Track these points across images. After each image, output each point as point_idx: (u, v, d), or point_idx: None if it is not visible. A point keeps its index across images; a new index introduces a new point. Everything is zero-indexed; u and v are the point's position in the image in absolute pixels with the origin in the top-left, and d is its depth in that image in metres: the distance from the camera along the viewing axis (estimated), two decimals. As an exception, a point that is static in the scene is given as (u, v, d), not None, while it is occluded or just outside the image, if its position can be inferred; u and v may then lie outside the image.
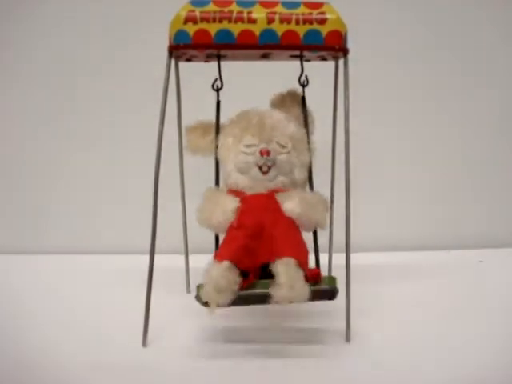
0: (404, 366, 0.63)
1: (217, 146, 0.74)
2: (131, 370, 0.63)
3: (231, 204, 0.68)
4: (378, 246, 1.11)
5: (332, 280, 0.65)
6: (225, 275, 0.61)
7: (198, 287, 0.63)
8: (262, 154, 0.69)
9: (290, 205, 0.68)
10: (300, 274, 0.61)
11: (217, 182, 0.75)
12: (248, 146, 0.71)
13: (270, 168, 0.70)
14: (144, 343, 0.68)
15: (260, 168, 0.70)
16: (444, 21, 1.10)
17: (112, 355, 0.66)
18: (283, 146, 0.71)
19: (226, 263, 0.62)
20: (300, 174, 0.73)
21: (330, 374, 0.62)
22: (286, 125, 0.72)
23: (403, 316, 0.77)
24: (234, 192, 0.71)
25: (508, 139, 1.15)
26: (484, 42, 1.11)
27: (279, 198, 0.69)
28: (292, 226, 0.68)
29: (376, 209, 1.13)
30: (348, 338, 0.69)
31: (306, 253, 0.67)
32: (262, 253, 0.65)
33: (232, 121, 0.75)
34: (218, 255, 0.65)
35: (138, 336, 0.68)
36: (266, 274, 0.64)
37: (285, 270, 0.61)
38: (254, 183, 0.71)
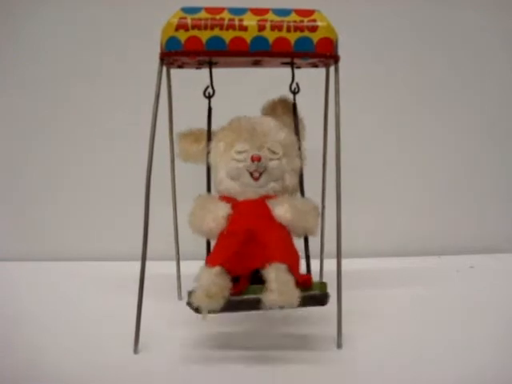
0: (395, 371, 0.63)
1: (208, 153, 0.75)
2: (122, 377, 0.62)
3: (222, 210, 0.69)
4: (369, 252, 1.12)
5: (323, 286, 0.66)
6: (216, 281, 0.61)
7: (190, 293, 0.63)
8: (253, 160, 0.70)
9: (281, 211, 0.69)
10: (290, 280, 0.61)
11: (208, 189, 0.75)
12: (239, 152, 0.71)
13: (261, 174, 0.71)
14: (135, 350, 0.68)
15: (251, 174, 0.71)
16: (437, 24, 1.11)
17: (103, 362, 0.66)
18: (274, 153, 0.71)
19: (217, 268, 0.62)
20: (291, 181, 0.73)
21: (322, 380, 0.62)
22: (277, 131, 0.73)
23: (394, 322, 0.78)
24: (226, 198, 0.72)
25: (498, 147, 1.15)
26: (477, 44, 1.12)
27: (270, 204, 0.70)
28: (283, 232, 0.68)
29: (367, 214, 1.14)
30: (339, 344, 0.69)
31: (297, 258, 0.67)
32: (253, 259, 0.65)
33: (223, 127, 0.76)
34: (210, 260, 0.65)
35: (129, 343, 0.68)
36: (257, 279, 0.64)
37: (275, 275, 0.61)
38: (245, 189, 0.71)
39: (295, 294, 0.61)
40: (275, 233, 0.67)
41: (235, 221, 0.68)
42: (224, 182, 0.72)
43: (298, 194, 0.75)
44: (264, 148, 0.71)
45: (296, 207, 0.69)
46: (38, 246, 1.13)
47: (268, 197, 0.71)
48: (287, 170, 0.73)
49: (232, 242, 0.66)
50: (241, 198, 0.71)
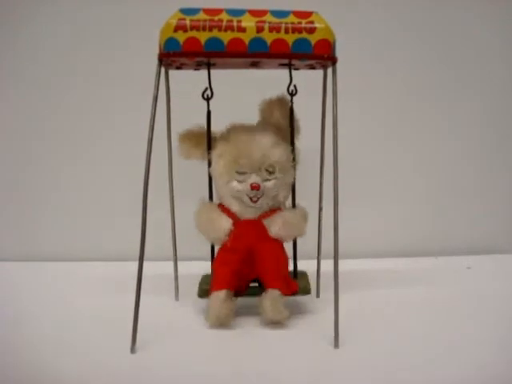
0: (392, 372, 0.63)
1: (209, 161, 0.78)
2: (119, 377, 0.62)
3: (225, 224, 0.77)
4: (366, 252, 1.12)
5: (305, 289, 0.80)
6: (224, 305, 0.74)
7: (201, 285, 0.81)
8: (252, 188, 0.75)
9: (275, 229, 0.78)
10: (282, 301, 0.75)
11: (210, 197, 0.80)
12: (239, 173, 0.75)
13: (259, 198, 0.76)
14: (132, 350, 0.68)
15: (250, 198, 0.76)
16: (435, 24, 1.11)
17: (100, 361, 0.66)
18: (271, 173, 0.76)
19: (223, 293, 0.74)
20: (284, 194, 0.79)
21: (319, 380, 0.62)
22: (274, 151, 0.76)
23: (392, 322, 0.78)
24: (227, 211, 0.78)
25: (497, 147, 1.16)
26: (478, 44, 1.12)
27: (266, 223, 0.78)
28: (276, 248, 0.79)
29: (364, 215, 1.14)
30: (336, 344, 0.69)
31: (287, 265, 0.80)
32: (251, 274, 0.78)
33: (223, 137, 0.78)
34: (216, 284, 0.76)
35: (126, 343, 0.68)
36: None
37: (270, 302, 0.74)
38: (244, 209, 0.78)
39: (286, 313, 0.74)
40: (271, 253, 0.78)
41: (237, 238, 0.77)
42: (226, 198, 0.79)
43: (288, 203, 0.81)
44: (262, 169, 0.75)
45: (288, 222, 0.78)
46: (36, 247, 1.13)
47: (264, 216, 0.78)
48: (281, 186, 0.78)
49: (234, 260, 0.77)
50: (240, 216, 0.78)
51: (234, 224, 0.77)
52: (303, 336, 0.73)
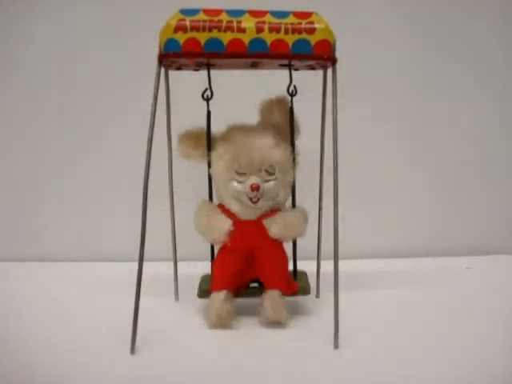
0: (391, 372, 0.63)
1: (209, 162, 0.78)
2: (119, 378, 0.63)
3: (225, 225, 0.76)
4: (366, 253, 1.12)
5: (305, 289, 0.81)
6: (224, 306, 0.75)
7: (200, 285, 0.82)
8: (252, 189, 0.74)
9: (275, 230, 0.77)
10: (283, 302, 0.76)
11: (210, 197, 0.80)
12: (239, 174, 0.75)
13: (259, 199, 0.75)
14: (132, 351, 0.68)
15: (250, 198, 0.75)
16: (436, 25, 1.11)
17: (100, 362, 0.66)
18: (271, 174, 0.75)
19: (223, 293, 0.76)
20: (284, 195, 0.79)
21: (318, 381, 0.62)
22: (273, 152, 0.75)
23: (391, 322, 0.78)
24: (227, 212, 0.78)
25: (496, 148, 1.16)
26: (478, 45, 1.12)
27: (266, 223, 0.77)
28: (277, 248, 0.78)
29: (364, 216, 1.14)
30: (336, 345, 0.69)
31: (286, 266, 0.80)
32: (251, 274, 0.80)
33: (223, 137, 0.78)
34: (216, 285, 0.77)
35: (126, 343, 0.68)
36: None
37: (271, 302, 0.75)
38: (244, 210, 0.77)
39: (286, 313, 0.76)
40: (271, 254, 0.78)
41: (236, 239, 0.76)
42: (225, 199, 0.78)
43: (288, 203, 0.80)
44: (261, 170, 0.75)
45: (288, 223, 0.77)
46: (36, 247, 1.13)
47: (264, 216, 0.77)
48: (281, 186, 0.77)
49: (234, 261, 0.77)
50: (240, 216, 0.77)
51: (234, 224, 0.77)
52: (303, 336, 0.73)
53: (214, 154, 0.77)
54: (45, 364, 0.65)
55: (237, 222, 0.77)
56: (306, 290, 0.81)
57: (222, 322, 0.75)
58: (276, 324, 0.75)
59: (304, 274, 0.87)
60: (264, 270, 0.78)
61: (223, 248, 0.78)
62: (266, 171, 0.75)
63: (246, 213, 0.77)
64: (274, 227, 0.77)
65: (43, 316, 0.81)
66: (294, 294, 0.80)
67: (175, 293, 0.89)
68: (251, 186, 0.74)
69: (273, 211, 0.78)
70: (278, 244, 0.78)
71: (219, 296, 0.76)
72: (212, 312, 0.75)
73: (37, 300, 0.89)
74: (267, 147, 0.75)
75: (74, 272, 1.05)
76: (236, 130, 0.77)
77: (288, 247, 0.81)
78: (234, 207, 0.77)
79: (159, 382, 0.62)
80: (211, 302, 0.76)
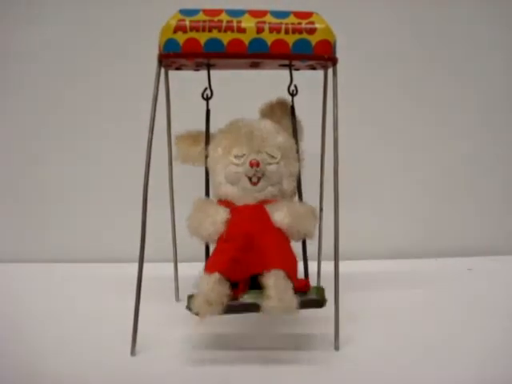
0: (392, 373, 0.63)
1: (207, 157, 0.75)
2: (119, 379, 0.62)
3: (221, 215, 0.69)
4: (366, 254, 1.12)
5: (320, 291, 0.66)
6: (215, 288, 0.62)
7: (190, 297, 0.64)
8: (251, 165, 0.69)
9: (279, 216, 0.69)
10: (289, 286, 0.62)
11: (207, 193, 0.75)
12: (237, 156, 0.71)
13: (259, 179, 0.70)
14: (132, 352, 0.68)
15: (250, 179, 0.71)
16: (437, 26, 1.11)
17: (100, 363, 0.65)
18: (272, 157, 0.71)
19: (216, 275, 0.63)
20: (289, 185, 0.73)
21: (319, 382, 0.62)
22: (275, 135, 0.73)
23: (392, 324, 0.78)
24: (224, 202, 0.72)
25: (496, 149, 1.16)
26: (478, 47, 1.12)
27: (268, 208, 0.70)
28: (281, 237, 0.68)
29: (364, 217, 1.14)
30: (337, 346, 0.69)
31: (295, 263, 0.67)
32: (251, 264, 0.66)
33: (221, 131, 0.76)
34: (208, 267, 0.65)
35: (126, 345, 0.68)
36: (256, 284, 0.65)
37: (274, 282, 0.62)
38: (243, 194, 0.71)
39: (294, 301, 0.61)
40: (273, 238, 0.67)
41: (234, 226, 0.68)
42: (222, 186, 0.72)
43: (296, 198, 0.75)
44: (262, 152, 0.71)
45: (294, 212, 0.69)
46: (37, 248, 1.13)
47: (266, 201, 0.71)
48: (285, 174, 0.73)
49: (230, 248, 0.66)
50: (239, 203, 0.71)
51: (231, 212, 0.69)
52: (303, 337, 0.73)
53: (212, 145, 0.74)
54: (45, 365, 0.65)
55: (234, 208, 0.70)
56: (321, 291, 0.66)
57: (210, 310, 0.61)
58: (281, 315, 0.61)
59: (321, 289, 0.68)
60: (265, 251, 0.66)
61: (220, 239, 0.68)
62: (267, 154, 0.71)
63: (246, 196, 0.71)
64: (279, 213, 0.69)
65: (43, 317, 0.81)
66: (304, 291, 0.65)
67: (176, 294, 0.89)
68: (250, 161, 0.69)
69: (277, 200, 0.71)
70: (282, 234, 0.68)
71: (209, 278, 0.62)
72: (200, 295, 0.62)
73: (37, 301, 0.89)
74: (268, 129, 0.73)
75: (75, 273, 1.04)
76: (235, 121, 0.75)
77: (296, 248, 0.72)
78: (232, 193, 0.71)
79: (159, 383, 0.62)
80: (200, 285, 0.63)
